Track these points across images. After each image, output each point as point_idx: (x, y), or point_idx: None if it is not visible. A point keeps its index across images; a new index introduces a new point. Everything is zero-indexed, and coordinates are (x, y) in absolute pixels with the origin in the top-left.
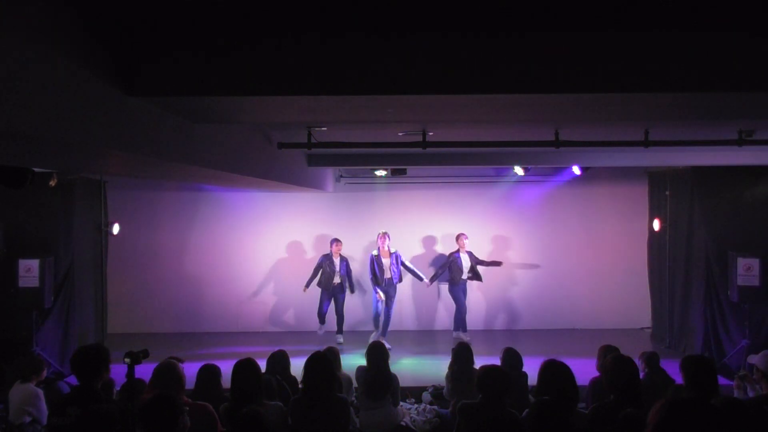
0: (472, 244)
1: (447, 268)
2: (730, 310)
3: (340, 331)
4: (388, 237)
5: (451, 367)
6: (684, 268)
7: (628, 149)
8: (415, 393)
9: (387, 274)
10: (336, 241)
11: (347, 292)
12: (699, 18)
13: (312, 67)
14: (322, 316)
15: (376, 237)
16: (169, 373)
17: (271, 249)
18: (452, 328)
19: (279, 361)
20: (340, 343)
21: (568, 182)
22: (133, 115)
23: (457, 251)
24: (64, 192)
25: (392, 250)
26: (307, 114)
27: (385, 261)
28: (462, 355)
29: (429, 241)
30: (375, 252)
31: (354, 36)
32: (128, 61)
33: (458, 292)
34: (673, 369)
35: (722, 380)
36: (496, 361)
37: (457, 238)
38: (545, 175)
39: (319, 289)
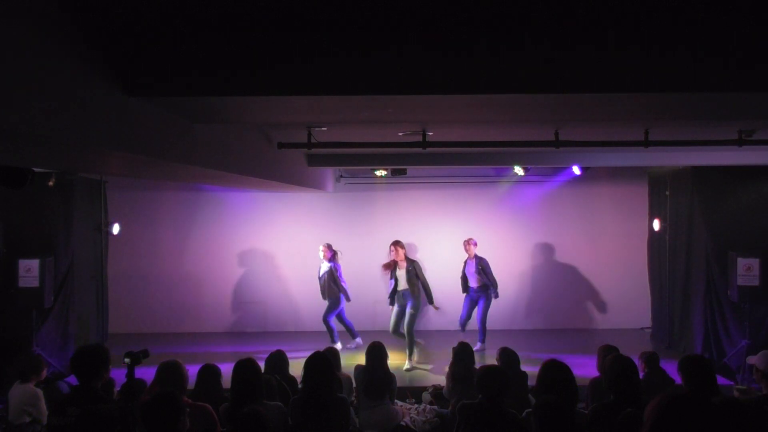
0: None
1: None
2: (730, 310)
3: (331, 339)
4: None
5: (452, 366)
6: (684, 268)
7: (628, 149)
8: (415, 393)
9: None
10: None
11: (342, 299)
12: (698, 17)
13: (312, 67)
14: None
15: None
16: (172, 372)
17: (271, 249)
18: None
19: (277, 361)
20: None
21: (568, 182)
22: (133, 115)
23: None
24: (64, 192)
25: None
26: (307, 114)
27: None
28: (464, 355)
29: (428, 241)
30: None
31: (354, 36)
32: (128, 61)
33: (465, 299)
34: (673, 369)
35: (722, 380)
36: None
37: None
38: (545, 175)
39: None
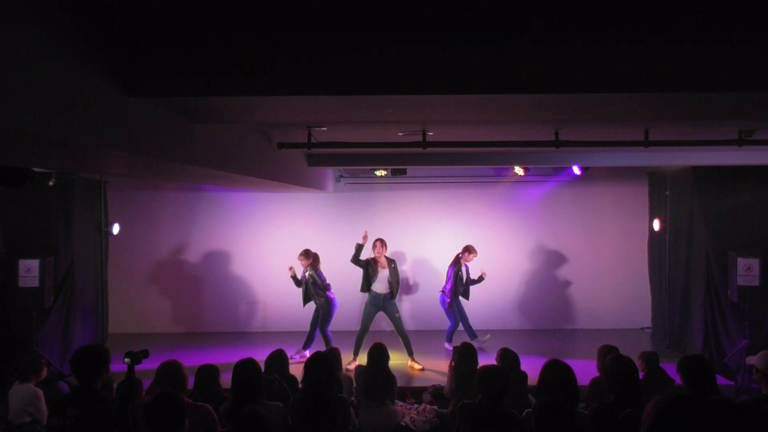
0: (472, 244)
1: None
2: (730, 310)
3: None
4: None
5: (456, 367)
6: (684, 268)
7: (628, 149)
8: (415, 393)
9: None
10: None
11: (318, 306)
12: (699, 17)
13: (312, 67)
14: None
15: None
16: (172, 372)
17: (271, 249)
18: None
19: (277, 360)
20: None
21: (568, 182)
22: (133, 115)
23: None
24: (64, 192)
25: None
26: (307, 114)
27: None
28: (467, 354)
29: (429, 241)
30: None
31: (353, 36)
32: (128, 61)
33: (457, 307)
34: (673, 369)
35: (722, 380)
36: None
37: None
38: (545, 175)
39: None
